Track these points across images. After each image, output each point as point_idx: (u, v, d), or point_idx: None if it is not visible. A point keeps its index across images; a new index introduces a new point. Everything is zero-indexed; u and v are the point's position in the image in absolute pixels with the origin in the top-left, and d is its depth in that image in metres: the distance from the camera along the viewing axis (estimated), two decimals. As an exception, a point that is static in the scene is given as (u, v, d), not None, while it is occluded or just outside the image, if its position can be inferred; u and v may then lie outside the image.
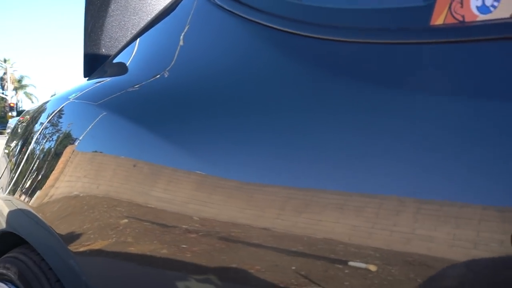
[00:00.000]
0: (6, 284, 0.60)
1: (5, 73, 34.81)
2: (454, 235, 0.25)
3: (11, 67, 34.74)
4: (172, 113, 0.45)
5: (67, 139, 0.62)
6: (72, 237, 0.50)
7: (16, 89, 36.04)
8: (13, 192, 0.71)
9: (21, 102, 37.40)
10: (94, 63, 0.93)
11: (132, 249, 0.43)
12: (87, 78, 0.91)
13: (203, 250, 0.37)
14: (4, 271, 0.62)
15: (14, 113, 28.24)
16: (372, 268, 0.28)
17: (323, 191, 0.31)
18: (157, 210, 0.41)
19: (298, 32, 0.40)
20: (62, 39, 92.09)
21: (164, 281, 0.40)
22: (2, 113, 34.84)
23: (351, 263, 0.29)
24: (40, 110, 0.87)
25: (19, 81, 36.51)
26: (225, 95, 0.42)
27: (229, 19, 0.48)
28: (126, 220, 0.45)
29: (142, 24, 0.99)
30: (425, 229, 0.26)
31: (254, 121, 0.38)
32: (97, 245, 0.48)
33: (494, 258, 0.24)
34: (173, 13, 0.62)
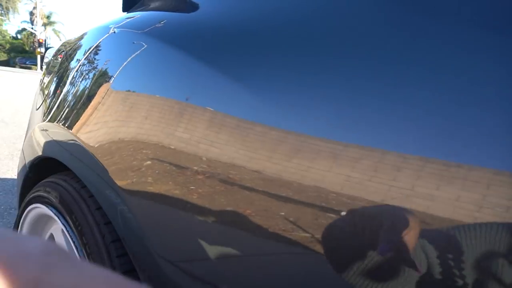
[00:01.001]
0: (48, 207, 0.63)
1: (34, 8, 34.78)
2: (458, 196, 0.24)
3: (40, 2, 34.61)
4: (227, 50, 0.42)
5: (108, 69, 0.61)
6: (114, 168, 0.51)
7: (44, 25, 36.15)
8: (53, 120, 0.71)
9: (49, 38, 37.66)
10: (134, -4, 0.90)
11: (153, 188, 0.44)
12: (126, 12, 0.88)
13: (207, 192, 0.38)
14: (45, 194, 0.65)
15: (43, 49, 28.58)
16: (364, 219, 0.28)
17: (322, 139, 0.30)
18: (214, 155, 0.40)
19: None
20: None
21: (186, 221, 0.41)
22: (31, 49, 35.36)
23: (342, 213, 0.29)
24: (78, 41, 0.86)
25: (48, 17, 36.49)
26: (284, 36, 0.39)
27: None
28: (150, 162, 0.45)
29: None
30: (426, 188, 0.25)
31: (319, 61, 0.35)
32: (133, 180, 0.48)
33: (498, 222, 0.23)
34: None
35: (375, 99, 0.30)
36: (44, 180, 0.71)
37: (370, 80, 0.31)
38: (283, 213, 0.33)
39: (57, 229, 0.68)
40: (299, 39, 0.38)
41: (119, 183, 0.49)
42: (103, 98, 0.59)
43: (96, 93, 0.61)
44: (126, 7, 0.90)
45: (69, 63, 0.81)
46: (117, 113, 0.53)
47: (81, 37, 0.86)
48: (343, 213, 0.29)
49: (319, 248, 0.30)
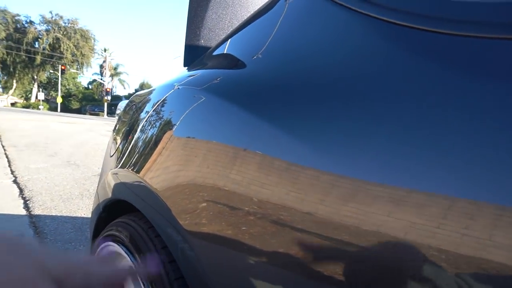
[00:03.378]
0: (119, 245, 0.70)
1: (104, 61, 39.03)
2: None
3: (109, 56, 38.82)
4: (281, 104, 0.47)
5: (174, 122, 0.69)
6: (176, 209, 0.56)
7: (112, 76, 40.23)
8: (125, 165, 0.81)
9: (115, 87, 41.67)
10: (193, 53, 1.01)
11: (213, 228, 0.48)
12: (186, 68, 0.99)
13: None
14: (117, 234, 0.72)
15: (109, 97, 31.61)
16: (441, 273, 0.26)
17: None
18: (269, 202, 0.44)
19: (413, 25, 0.39)
20: (151, 31, 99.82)
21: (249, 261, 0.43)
22: (100, 97, 39.22)
23: (406, 260, 0.28)
24: (146, 97, 0.97)
25: (115, 68, 40.68)
26: (333, 88, 0.43)
27: (338, 12, 0.48)
28: (211, 203, 0.49)
29: (239, 16, 1.03)
30: (501, 237, 0.24)
31: (363, 116, 0.38)
32: (194, 220, 0.53)
33: None
34: (275, 7, 0.64)
35: (437, 142, 0.29)
36: (117, 220, 0.79)
37: (427, 123, 0.32)
38: (338, 256, 0.34)
39: (125, 267, 0.74)
40: (349, 89, 0.41)
41: (182, 222, 0.54)
42: (166, 143, 0.66)
43: (161, 139, 0.69)
44: (187, 63, 1.02)
45: (139, 114, 0.92)
46: (178, 157, 0.60)
47: (150, 92, 0.98)
48: (407, 261, 0.28)
49: None
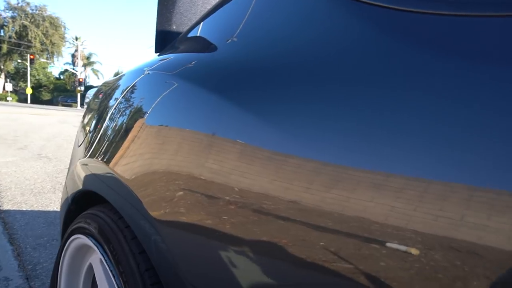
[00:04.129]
0: (88, 238, 0.67)
1: (76, 51, 37.60)
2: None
3: (81, 45, 37.41)
4: (252, 86, 0.45)
5: (142, 110, 0.66)
6: (148, 200, 0.54)
7: (85, 65, 38.85)
8: (93, 155, 0.77)
9: (89, 77, 40.31)
10: (165, 39, 0.97)
11: (185, 218, 0.46)
12: (158, 54, 0.95)
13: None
14: (86, 226, 0.69)
15: (82, 88, 30.57)
16: (414, 251, 0.27)
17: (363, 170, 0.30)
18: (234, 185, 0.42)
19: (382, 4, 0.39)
20: (126, 19, 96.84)
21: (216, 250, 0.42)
22: (72, 88, 37.90)
23: (387, 244, 0.28)
24: (115, 84, 0.93)
25: (88, 58, 39.26)
26: (304, 67, 0.42)
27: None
28: (182, 192, 0.48)
29: (212, 0, 1.00)
30: (476, 217, 0.25)
31: (335, 95, 0.37)
32: (166, 211, 0.51)
33: None
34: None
35: (417, 127, 0.29)
36: (85, 212, 0.76)
37: (407, 108, 0.31)
38: (322, 243, 0.33)
39: (96, 259, 0.72)
40: (321, 74, 0.40)
41: (153, 213, 0.52)
42: (138, 132, 0.63)
43: (131, 128, 0.66)
44: (158, 49, 0.98)
45: (108, 101, 0.88)
46: (150, 146, 0.57)
47: (119, 78, 0.94)
48: (387, 244, 0.28)
49: (362, 279, 0.30)
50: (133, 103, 0.73)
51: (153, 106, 0.63)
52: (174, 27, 1.01)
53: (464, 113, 0.28)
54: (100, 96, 1.03)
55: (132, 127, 0.66)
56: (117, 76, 1.00)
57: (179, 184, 0.49)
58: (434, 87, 0.30)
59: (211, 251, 0.44)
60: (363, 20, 0.40)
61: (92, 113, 1.00)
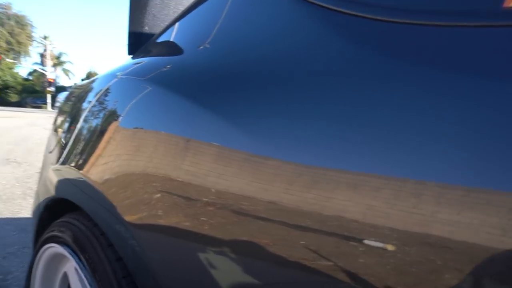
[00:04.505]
0: (62, 246, 0.65)
1: (45, 50, 36.17)
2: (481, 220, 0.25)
3: (50, 44, 36.04)
4: (223, 91, 0.46)
5: (116, 114, 0.65)
6: (122, 205, 0.54)
7: (55, 65, 37.44)
8: (65, 162, 0.75)
9: (59, 78, 38.89)
10: (138, 41, 0.96)
11: (162, 221, 0.46)
12: (131, 56, 0.94)
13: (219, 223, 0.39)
14: (60, 234, 0.67)
15: (53, 89, 29.47)
16: (390, 247, 0.28)
17: (338, 170, 0.32)
18: (211, 189, 0.43)
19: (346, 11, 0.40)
20: (97, 18, 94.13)
21: (192, 251, 0.42)
22: (41, 88, 36.47)
23: (365, 242, 0.29)
24: (87, 88, 0.91)
25: (58, 57, 37.86)
26: (274, 73, 0.42)
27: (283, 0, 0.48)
28: (159, 195, 0.48)
29: (185, 1, 1.00)
30: (447, 214, 0.26)
31: (304, 100, 0.38)
32: (141, 214, 0.51)
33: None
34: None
35: (394, 127, 0.30)
36: (58, 220, 0.74)
37: (382, 109, 0.32)
38: (302, 243, 0.33)
39: (71, 268, 0.70)
40: (303, 71, 0.41)
41: (128, 218, 0.52)
42: (110, 137, 0.62)
43: (103, 133, 0.65)
44: (131, 51, 0.97)
45: (81, 104, 0.86)
46: (125, 149, 0.57)
47: (92, 81, 0.92)
48: (366, 242, 0.29)
49: (342, 276, 0.30)
50: (107, 106, 0.72)
51: (127, 110, 0.62)
52: (146, 28, 0.99)
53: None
54: (73, 99, 1.00)
55: (106, 130, 0.65)
56: (90, 80, 0.97)
57: (155, 186, 0.49)
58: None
59: (189, 253, 0.44)
60: (335, 28, 0.41)
61: (64, 116, 0.97)
